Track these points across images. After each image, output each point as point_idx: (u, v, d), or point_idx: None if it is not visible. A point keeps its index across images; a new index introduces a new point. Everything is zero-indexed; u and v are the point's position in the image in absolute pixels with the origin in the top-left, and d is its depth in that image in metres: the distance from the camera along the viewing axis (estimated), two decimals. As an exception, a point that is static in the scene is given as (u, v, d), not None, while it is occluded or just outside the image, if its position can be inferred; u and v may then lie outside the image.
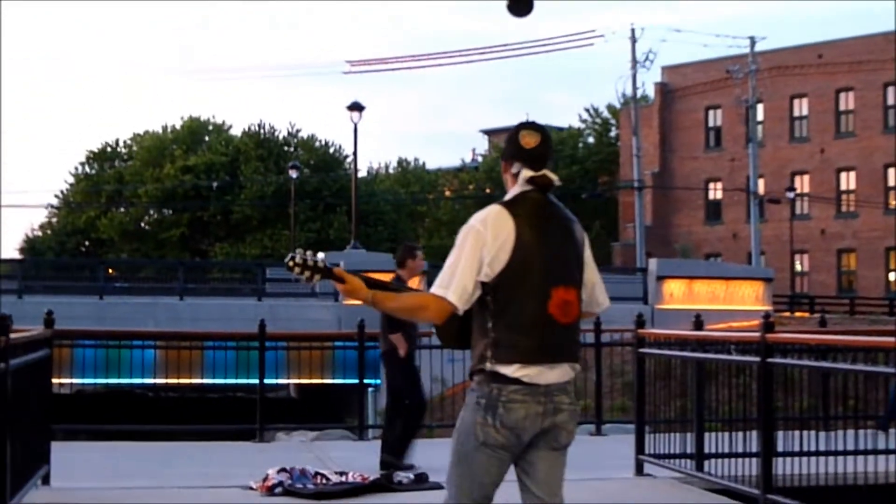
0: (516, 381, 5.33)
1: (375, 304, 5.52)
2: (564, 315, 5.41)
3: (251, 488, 10.93)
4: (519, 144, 5.57)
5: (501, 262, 5.36)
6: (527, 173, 5.49)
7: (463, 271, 5.38)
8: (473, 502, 5.47)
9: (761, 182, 63.20)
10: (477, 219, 5.48)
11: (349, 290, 5.51)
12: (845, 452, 10.20)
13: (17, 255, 79.43)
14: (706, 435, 11.19)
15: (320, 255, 5.59)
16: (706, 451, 11.11)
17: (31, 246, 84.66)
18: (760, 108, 64.59)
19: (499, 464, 5.41)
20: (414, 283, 12.97)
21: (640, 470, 11.94)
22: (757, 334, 9.75)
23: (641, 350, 12.14)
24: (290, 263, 5.58)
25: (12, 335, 8.52)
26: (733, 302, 42.53)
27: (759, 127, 65.73)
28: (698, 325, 11.91)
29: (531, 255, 5.38)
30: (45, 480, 10.86)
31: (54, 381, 12.40)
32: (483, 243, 5.40)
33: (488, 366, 5.37)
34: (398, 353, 12.21)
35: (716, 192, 72.33)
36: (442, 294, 5.36)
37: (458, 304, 5.37)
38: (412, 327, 12.34)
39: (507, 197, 5.57)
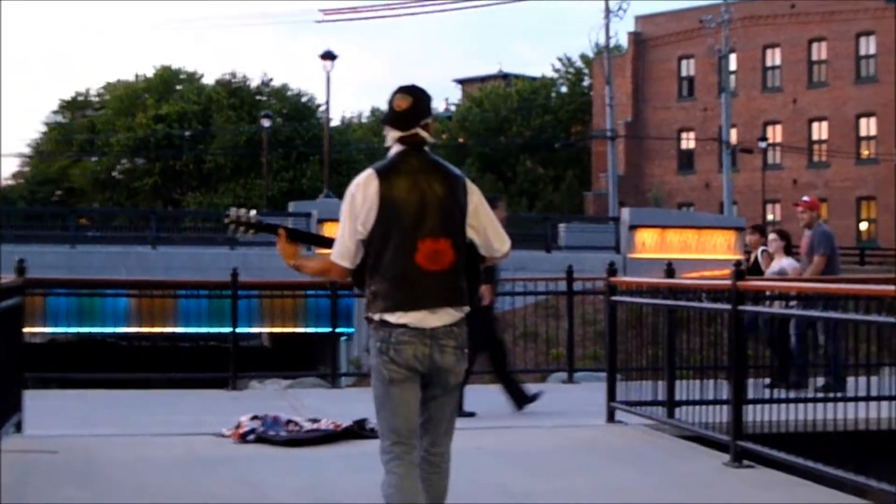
0: (403, 325, 5.86)
1: (298, 268, 6.21)
2: (434, 264, 5.86)
3: (224, 436, 10.96)
4: (392, 108, 6.05)
5: (371, 221, 5.88)
6: (395, 134, 6.01)
7: (342, 234, 5.97)
8: (404, 427, 5.93)
9: (734, 132, 63.24)
10: (352, 184, 5.99)
11: (281, 250, 6.19)
12: (814, 400, 10.29)
13: (-12, 205, 79.22)
14: (677, 383, 11.26)
15: (253, 212, 6.32)
16: (677, 398, 11.19)
17: (2, 195, 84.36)
18: (733, 57, 64.49)
19: (410, 394, 5.92)
20: None
21: (611, 417, 12.01)
22: (728, 282, 9.80)
23: (613, 298, 12.18)
24: (226, 220, 6.30)
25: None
26: (705, 251, 42.60)
27: (732, 77, 65.74)
28: (670, 273, 11.96)
29: (396, 212, 5.86)
30: (18, 428, 10.87)
31: (26, 330, 12.38)
32: (355, 206, 5.93)
33: (376, 315, 5.92)
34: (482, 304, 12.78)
35: (688, 141, 72.42)
36: (334, 258, 5.98)
37: (344, 263, 5.97)
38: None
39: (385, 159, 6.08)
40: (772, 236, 15.81)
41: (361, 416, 10.92)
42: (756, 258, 16.28)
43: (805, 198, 15.68)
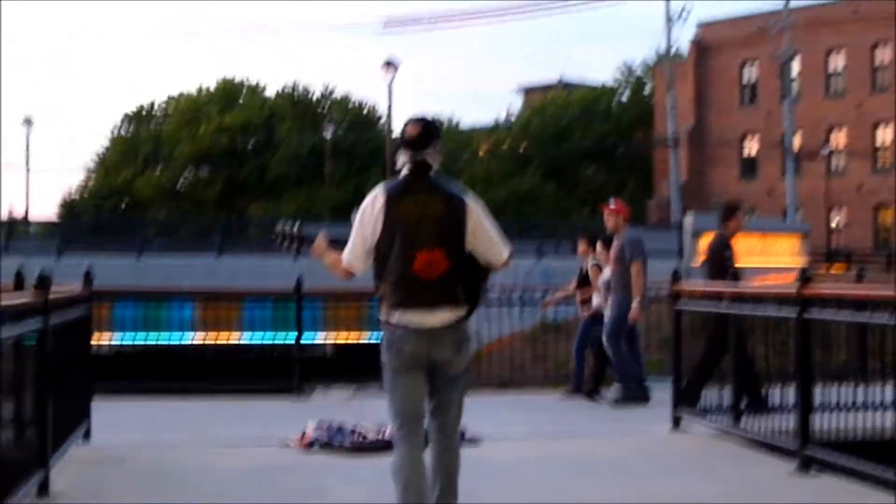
0: (404, 326, 6.75)
1: (319, 257, 7.17)
2: (428, 272, 6.70)
3: (289, 444, 11.00)
4: (403, 135, 6.95)
5: (377, 233, 6.77)
6: (405, 158, 6.86)
7: (354, 241, 6.90)
8: (409, 412, 6.82)
9: (797, 137, 62.78)
10: (366, 199, 6.88)
11: (315, 245, 7.18)
12: (883, 406, 10.19)
13: (55, 217, 79.95)
14: (743, 390, 11.19)
15: (297, 224, 7.36)
16: (743, 406, 11.12)
17: (69, 207, 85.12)
18: (796, 62, 64.10)
19: (415, 384, 6.82)
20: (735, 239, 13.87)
21: (676, 425, 11.96)
22: (793, 289, 9.73)
23: (678, 305, 12.13)
24: (273, 236, 7.42)
25: (52, 294, 8.59)
26: (769, 257, 42.35)
27: (795, 82, 65.28)
28: (735, 279, 11.87)
29: (398, 226, 6.73)
30: (86, 436, 10.97)
31: (94, 340, 12.49)
32: (364, 219, 6.84)
33: (383, 315, 6.84)
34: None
35: (751, 147, 72.03)
36: (343, 259, 6.95)
37: (349, 266, 6.93)
38: None
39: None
40: (599, 247, 15.30)
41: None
42: (586, 269, 15.70)
43: (611, 203, 15.19)
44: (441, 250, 6.73)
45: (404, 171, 6.88)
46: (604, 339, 14.46)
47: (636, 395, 14.28)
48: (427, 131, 6.92)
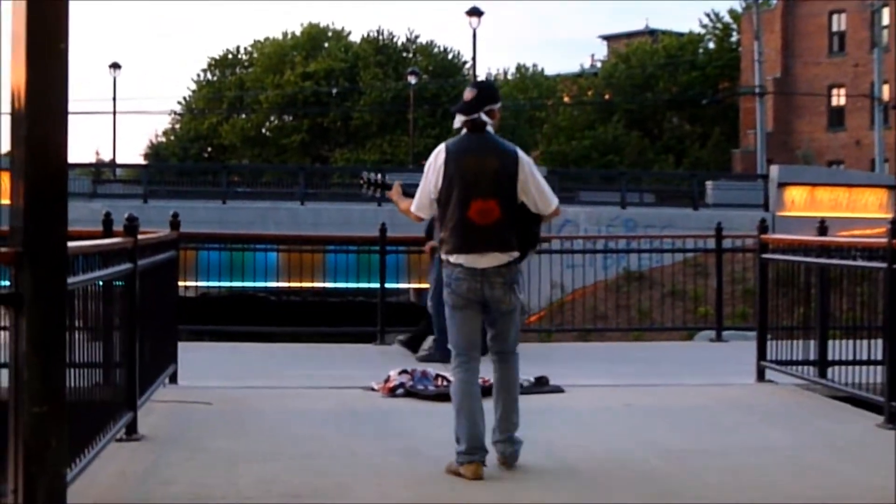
0: (459, 265, 7.60)
1: (395, 202, 8.29)
2: (483, 218, 7.52)
3: (373, 389, 11.06)
4: (462, 98, 7.86)
5: (440, 183, 7.63)
6: (460, 119, 7.75)
7: (420, 191, 7.79)
8: (465, 342, 7.69)
9: (886, 88, 61.76)
10: (432, 153, 7.76)
11: (392, 191, 8.39)
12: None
13: (141, 161, 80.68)
14: (829, 342, 11.09)
15: (380, 175, 8.85)
16: (829, 358, 11.02)
17: (155, 152, 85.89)
18: (886, 11, 62.97)
19: (470, 318, 7.69)
20: None
21: (761, 376, 11.89)
22: (884, 240, 9.61)
23: (764, 256, 12.03)
24: (361, 182, 8.93)
25: (139, 237, 8.67)
26: (856, 210, 41.88)
27: (885, 31, 64.17)
28: (822, 230, 11.75)
29: (456, 178, 7.57)
30: (173, 379, 11.09)
31: (180, 283, 12.61)
32: (429, 171, 7.70)
33: (443, 255, 7.70)
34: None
35: (839, 98, 70.98)
36: (413, 208, 7.88)
37: (418, 212, 7.87)
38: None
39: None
40: None
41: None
42: None
43: None
44: (494, 200, 7.54)
45: (462, 131, 7.76)
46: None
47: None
48: (481, 95, 7.78)
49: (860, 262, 10.62)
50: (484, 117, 7.70)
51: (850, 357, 10.62)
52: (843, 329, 11.29)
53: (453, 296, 7.65)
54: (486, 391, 8.00)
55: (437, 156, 7.69)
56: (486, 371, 7.96)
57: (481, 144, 7.67)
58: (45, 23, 5.23)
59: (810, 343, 11.25)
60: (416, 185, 7.95)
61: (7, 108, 5.24)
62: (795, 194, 42.26)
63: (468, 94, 7.83)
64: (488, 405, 7.83)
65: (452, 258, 7.63)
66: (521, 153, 7.71)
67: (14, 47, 5.22)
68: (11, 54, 5.23)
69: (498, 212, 7.54)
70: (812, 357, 11.19)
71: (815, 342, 11.16)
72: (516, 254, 7.65)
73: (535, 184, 7.68)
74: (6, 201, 5.33)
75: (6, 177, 5.40)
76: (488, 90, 7.96)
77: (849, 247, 11.28)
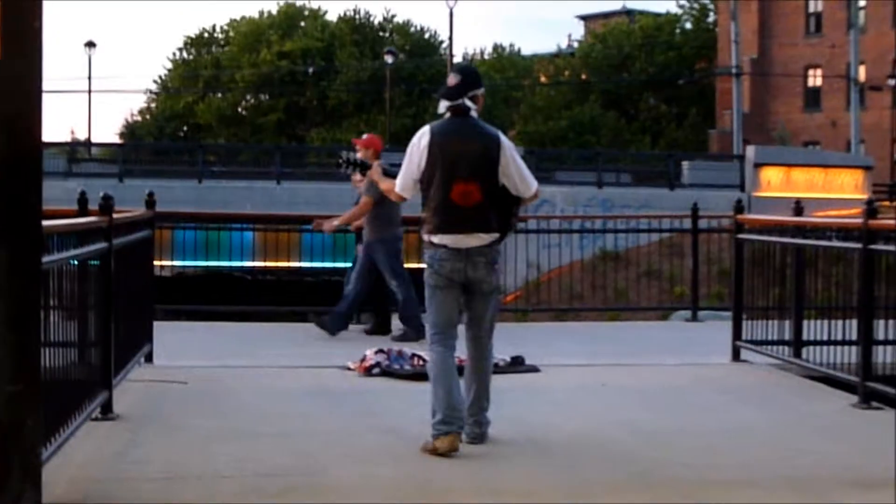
0: (443, 246, 7.79)
1: (375, 182, 8.76)
2: (464, 200, 7.73)
3: (349, 368, 11.07)
4: (445, 83, 8.07)
5: (423, 165, 7.81)
6: (444, 104, 7.94)
7: (404, 171, 7.95)
8: (443, 321, 7.89)
9: (862, 69, 61.95)
10: (416, 135, 7.91)
11: (371, 170, 8.87)
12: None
13: (117, 140, 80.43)
14: (804, 322, 11.14)
15: (359, 154, 9.60)
16: (804, 338, 11.07)
17: (130, 131, 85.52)
18: (862, -8, 63.16)
19: (450, 298, 7.87)
20: None
21: (736, 356, 11.93)
22: (859, 220, 9.65)
23: (740, 236, 12.07)
24: (339, 161, 9.35)
25: (115, 216, 8.65)
26: (832, 190, 42.03)
27: (861, 12, 64.37)
28: (798, 211, 11.78)
29: (439, 160, 7.75)
30: (149, 358, 11.08)
31: (156, 262, 12.58)
32: (412, 153, 7.88)
33: (426, 236, 7.87)
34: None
35: (815, 78, 71.16)
36: (396, 186, 8.08)
37: (402, 192, 8.05)
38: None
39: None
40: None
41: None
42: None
43: (363, 136, 14.84)
44: (476, 182, 7.76)
45: (446, 115, 7.93)
46: (389, 284, 14.01)
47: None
48: (465, 81, 7.97)
49: (835, 243, 10.67)
50: (468, 102, 7.91)
51: (825, 337, 10.68)
52: (818, 309, 11.33)
53: (435, 276, 7.84)
54: (461, 371, 8.03)
55: (422, 138, 7.86)
56: (462, 351, 7.99)
57: (465, 128, 7.88)
58: (19, 1, 5.20)
59: (785, 323, 11.29)
60: (396, 166, 8.23)
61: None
62: (771, 175, 42.36)
63: (452, 79, 8.01)
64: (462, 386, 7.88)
65: (436, 238, 7.81)
66: (503, 137, 7.93)
67: (-12, 25, 5.19)
68: (-15, 32, 5.20)
69: (479, 194, 7.75)
70: (787, 337, 11.23)
71: (791, 322, 11.19)
72: (497, 235, 7.87)
73: (516, 168, 7.89)
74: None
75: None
76: (472, 76, 8.12)
77: (824, 227, 11.34)
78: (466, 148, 7.79)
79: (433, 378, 7.80)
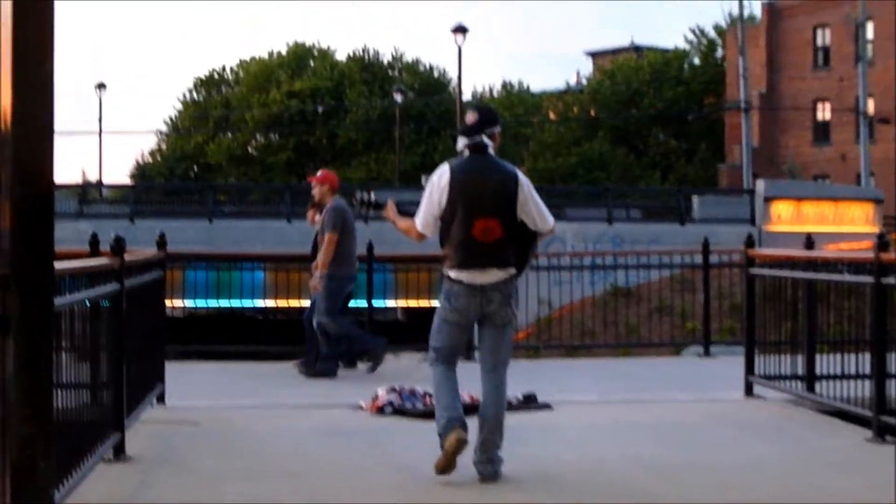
0: (459, 281, 7.97)
1: (392, 221, 8.49)
2: (485, 237, 7.91)
3: (361, 408, 11.05)
4: (464, 121, 8.37)
5: (444, 202, 7.97)
6: (462, 141, 8.14)
7: (425, 209, 8.09)
8: (448, 350, 8.12)
9: (871, 102, 61.92)
10: (435, 173, 8.10)
11: (387, 209, 8.55)
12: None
13: (128, 181, 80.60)
14: (817, 357, 11.10)
15: (373, 194, 9.00)
16: (817, 372, 11.03)
17: (141, 172, 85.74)
18: (870, 26, 63.11)
19: (458, 332, 8.14)
20: None
21: (749, 391, 11.90)
22: (871, 254, 9.63)
23: (751, 271, 12.05)
24: (354, 201, 9.28)
25: (126, 257, 8.66)
26: (843, 223, 41.90)
27: (869, 46, 64.36)
28: (809, 245, 11.77)
29: (460, 197, 7.93)
30: (160, 399, 11.07)
31: (167, 303, 12.59)
32: (433, 191, 8.03)
33: (445, 271, 8.06)
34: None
35: (824, 112, 71.12)
36: (416, 225, 8.16)
37: (423, 230, 8.15)
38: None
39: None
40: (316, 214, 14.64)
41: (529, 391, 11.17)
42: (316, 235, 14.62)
43: (319, 172, 14.69)
44: (496, 219, 7.92)
45: (465, 153, 8.11)
46: (316, 318, 13.88)
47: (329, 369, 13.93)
48: (482, 119, 8.20)
49: (847, 277, 10.65)
50: (485, 140, 8.12)
51: (838, 371, 10.64)
52: (831, 343, 11.30)
53: (450, 310, 8.05)
54: (474, 408, 8.03)
55: (441, 176, 8.03)
56: (475, 388, 7.97)
57: (483, 165, 8.06)
58: (30, 44, 5.22)
59: (798, 358, 11.26)
60: (407, 203, 8.45)
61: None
62: (782, 209, 42.28)
63: (470, 117, 8.27)
64: (474, 422, 7.88)
65: (453, 274, 8.01)
66: (520, 174, 8.09)
67: (-1, 68, 5.21)
68: (-4, 75, 5.22)
69: (499, 230, 7.93)
70: (800, 372, 11.20)
71: (803, 357, 11.16)
72: (513, 270, 8.04)
73: (534, 203, 8.08)
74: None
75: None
76: (489, 114, 8.38)
77: (836, 261, 11.30)
78: (486, 185, 7.97)
79: (435, 390, 8.12)
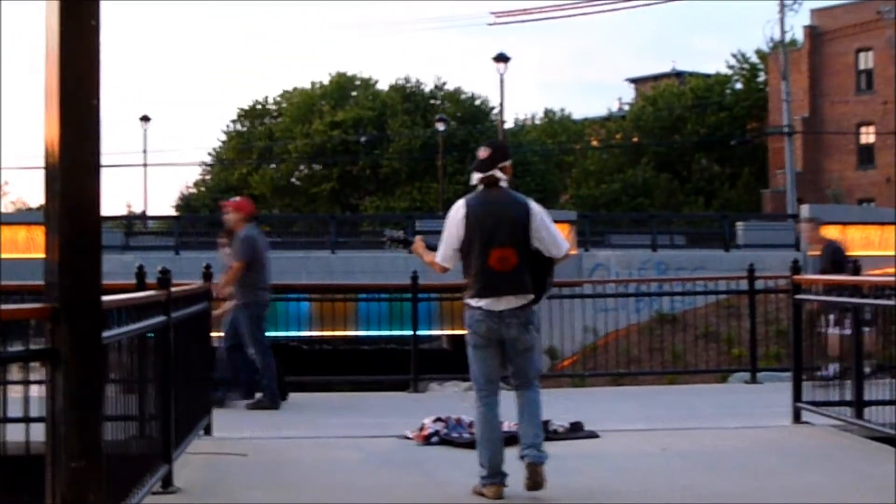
0: (479, 308, 8.41)
1: (419, 255, 8.89)
2: (502, 265, 8.33)
3: (408, 437, 11.05)
4: (476, 156, 8.72)
5: (462, 235, 8.44)
6: (476, 176, 8.58)
7: (445, 243, 8.55)
8: (484, 378, 8.53)
9: (916, 125, 61.56)
10: (452, 208, 8.56)
11: (415, 244, 8.98)
12: None
13: (173, 212, 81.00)
14: (866, 382, 11.02)
15: (401, 232, 9.66)
16: (866, 398, 10.95)
17: (186, 203, 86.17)
18: (914, 48, 62.84)
19: (489, 355, 8.49)
20: None
21: (797, 418, 11.82)
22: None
23: (798, 296, 11.98)
24: (383, 240, 9.65)
25: (173, 289, 8.70)
26: (888, 248, 41.58)
27: (913, 68, 64.02)
28: (856, 270, 11.71)
29: (476, 229, 8.39)
30: (207, 430, 11.10)
31: (213, 334, 12.63)
32: (451, 225, 8.51)
33: (466, 299, 8.51)
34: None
35: (868, 136, 70.74)
36: (437, 258, 8.61)
37: (443, 263, 8.59)
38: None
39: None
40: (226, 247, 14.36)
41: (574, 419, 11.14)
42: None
43: (236, 198, 14.52)
44: (512, 248, 8.35)
45: (479, 187, 8.57)
46: (250, 348, 13.76)
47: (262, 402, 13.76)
48: (494, 154, 8.61)
49: (894, 301, 10.57)
50: (498, 174, 8.56)
51: (888, 397, 10.56)
52: (881, 368, 11.21)
53: (474, 336, 8.49)
54: (513, 439, 8.07)
55: (458, 210, 8.53)
56: (509, 414, 7.95)
57: (497, 198, 8.51)
58: (78, 79, 5.26)
59: (846, 383, 11.18)
60: (434, 242, 8.85)
61: (42, 162, 5.28)
62: (827, 234, 42.01)
63: (483, 153, 8.67)
64: (513, 452, 7.88)
65: (473, 302, 8.46)
66: (531, 203, 8.58)
67: (48, 103, 5.26)
68: (45, 110, 5.27)
69: (515, 258, 8.37)
70: (848, 397, 11.12)
71: (852, 382, 11.08)
72: (531, 296, 8.45)
73: (546, 231, 8.51)
74: (41, 255, 5.35)
75: (41, 231, 5.43)
76: (501, 149, 8.81)
77: (882, 286, 11.22)
78: (500, 216, 8.41)
79: (478, 435, 8.54)
